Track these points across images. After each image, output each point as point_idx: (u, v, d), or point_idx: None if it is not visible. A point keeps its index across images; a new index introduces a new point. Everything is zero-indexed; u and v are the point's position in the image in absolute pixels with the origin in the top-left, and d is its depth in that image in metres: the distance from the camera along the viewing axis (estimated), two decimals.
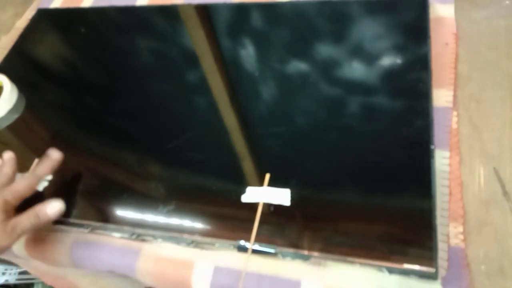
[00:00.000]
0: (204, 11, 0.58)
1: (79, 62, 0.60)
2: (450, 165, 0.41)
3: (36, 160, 0.47)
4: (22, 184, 0.40)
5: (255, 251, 0.38)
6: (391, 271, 0.35)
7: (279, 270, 0.38)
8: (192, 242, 0.40)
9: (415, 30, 0.48)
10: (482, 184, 0.40)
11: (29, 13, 0.69)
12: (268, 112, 0.48)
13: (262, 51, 0.53)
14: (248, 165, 0.44)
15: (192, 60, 0.54)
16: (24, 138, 0.53)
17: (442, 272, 0.35)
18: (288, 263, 0.38)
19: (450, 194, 0.39)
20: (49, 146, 0.46)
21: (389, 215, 0.39)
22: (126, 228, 0.42)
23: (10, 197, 0.39)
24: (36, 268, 0.51)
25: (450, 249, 0.36)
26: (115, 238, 0.43)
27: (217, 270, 0.39)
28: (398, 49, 0.48)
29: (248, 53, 0.53)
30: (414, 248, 0.36)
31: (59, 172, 0.45)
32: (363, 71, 0.47)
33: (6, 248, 0.38)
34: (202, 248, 0.40)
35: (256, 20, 0.56)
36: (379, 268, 0.36)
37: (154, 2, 0.63)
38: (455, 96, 0.45)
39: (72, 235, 0.44)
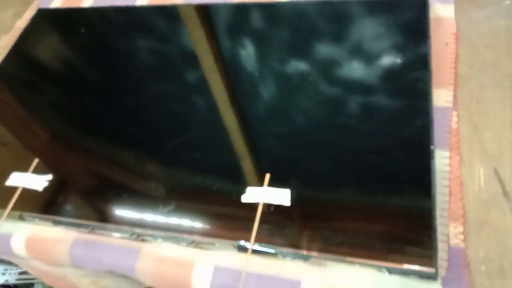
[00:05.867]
0: (204, 11, 0.58)
1: (79, 62, 0.60)
2: (450, 165, 0.40)
3: (36, 160, 0.47)
4: None
5: (255, 251, 0.38)
6: (391, 271, 0.35)
7: (279, 270, 0.38)
8: (192, 242, 0.40)
9: (415, 30, 0.48)
10: (482, 184, 0.40)
11: (29, 13, 0.69)
12: (268, 112, 0.48)
13: (262, 51, 0.53)
14: (248, 165, 0.44)
15: (192, 60, 0.54)
16: (24, 138, 0.53)
17: (442, 272, 0.35)
18: (288, 263, 0.38)
19: (450, 194, 0.39)
20: (49, 146, 0.46)
21: (389, 215, 0.39)
22: (126, 228, 0.42)
23: None
24: (36, 268, 0.51)
25: (450, 249, 0.36)
26: (115, 238, 0.43)
27: (217, 270, 0.39)
28: (398, 49, 0.48)
29: (248, 53, 0.53)
30: (414, 248, 0.36)
31: (59, 172, 0.45)
32: (363, 71, 0.47)
33: None
34: (202, 248, 0.40)
35: (256, 20, 0.56)
36: (379, 268, 0.36)
37: (154, 2, 0.63)
38: (455, 96, 0.45)
39: (72, 235, 0.44)
